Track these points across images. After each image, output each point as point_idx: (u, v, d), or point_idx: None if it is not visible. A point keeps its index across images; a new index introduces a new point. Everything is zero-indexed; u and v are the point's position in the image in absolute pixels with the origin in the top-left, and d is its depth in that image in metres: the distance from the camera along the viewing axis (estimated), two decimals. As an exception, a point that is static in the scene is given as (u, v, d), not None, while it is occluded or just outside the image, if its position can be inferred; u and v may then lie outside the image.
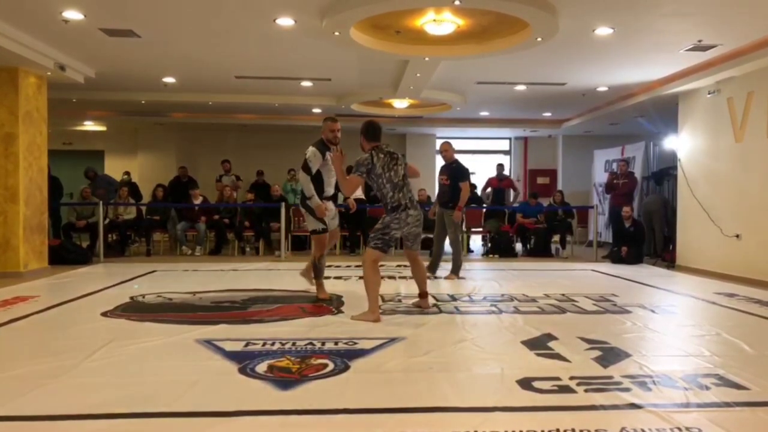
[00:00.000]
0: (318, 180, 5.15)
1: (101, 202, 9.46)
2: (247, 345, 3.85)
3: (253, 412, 2.68)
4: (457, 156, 7.40)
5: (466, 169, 7.29)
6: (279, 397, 2.89)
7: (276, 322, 4.61)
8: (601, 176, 12.68)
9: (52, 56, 7.17)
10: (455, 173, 7.11)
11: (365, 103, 10.66)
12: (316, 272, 5.54)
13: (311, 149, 5.09)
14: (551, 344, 3.93)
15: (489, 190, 11.57)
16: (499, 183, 11.54)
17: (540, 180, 14.76)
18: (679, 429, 2.51)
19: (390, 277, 7.21)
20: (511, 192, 11.80)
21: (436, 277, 7.17)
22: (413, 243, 4.95)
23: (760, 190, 7.21)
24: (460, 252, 7.44)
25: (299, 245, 10.53)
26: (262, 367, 3.35)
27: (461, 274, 7.33)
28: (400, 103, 10.58)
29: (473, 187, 11.34)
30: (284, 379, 3.15)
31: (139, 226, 10.24)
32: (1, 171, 7.18)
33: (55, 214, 9.99)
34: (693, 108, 8.59)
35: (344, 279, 7.09)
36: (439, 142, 14.59)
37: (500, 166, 11.83)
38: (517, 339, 4.08)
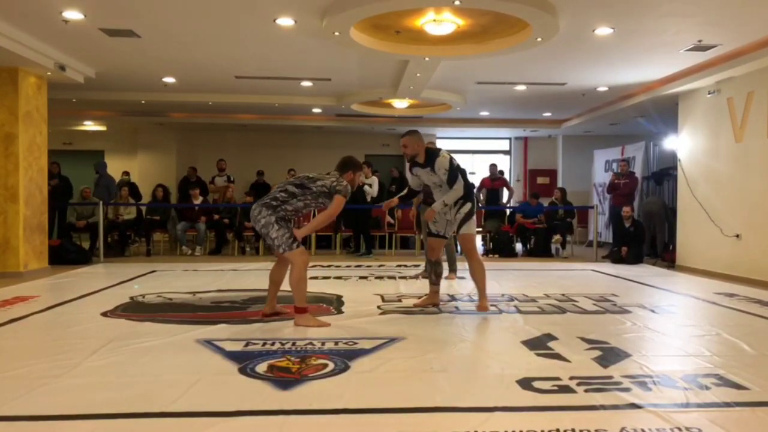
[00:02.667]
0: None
1: (101, 202, 9.47)
2: (247, 345, 3.86)
3: (253, 412, 2.68)
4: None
5: None
6: (279, 397, 2.89)
7: (276, 322, 4.61)
8: (601, 176, 12.68)
9: (52, 56, 7.17)
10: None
11: (365, 103, 10.66)
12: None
13: None
14: (551, 344, 3.93)
15: (483, 190, 11.52)
16: (492, 183, 11.50)
17: (540, 180, 14.76)
18: (679, 429, 2.51)
19: (390, 277, 7.22)
20: (505, 191, 11.72)
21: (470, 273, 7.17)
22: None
23: (760, 190, 7.21)
24: (454, 250, 7.44)
25: (299, 245, 10.52)
26: (262, 367, 3.35)
27: (458, 273, 7.33)
28: (400, 103, 10.58)
29: (472, 186, 11.32)
30: (284, 379, 3.15)
31: (139, 226, 10.24)
32: (1, 171, 7.19)
33: (62, 215, 10.00)
34: (693, 108, 8.59)
35: (344, 279, 7.09)
36: (439, 142, 14.65)
37: (493, 166, 11.77)
38: (517, 339, 4.08)
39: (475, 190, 11.29)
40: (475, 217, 5.01)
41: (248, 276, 7.33)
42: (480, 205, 11.34)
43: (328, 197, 4.51)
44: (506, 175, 13.67)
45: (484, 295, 5.05)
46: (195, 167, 12.12)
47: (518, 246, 10.76)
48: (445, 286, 6.58)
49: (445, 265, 7.32)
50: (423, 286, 6.53)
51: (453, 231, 5.10)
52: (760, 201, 7.20)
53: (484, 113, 12.13)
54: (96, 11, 5.87)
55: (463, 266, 8.27)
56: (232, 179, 11.81)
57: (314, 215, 4.69)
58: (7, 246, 7.20)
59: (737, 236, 7.56)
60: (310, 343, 3.89)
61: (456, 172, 4.89)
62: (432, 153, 4.95)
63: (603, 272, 8.05)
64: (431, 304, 5.32)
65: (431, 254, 5.31)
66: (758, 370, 3.38)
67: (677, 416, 2.65)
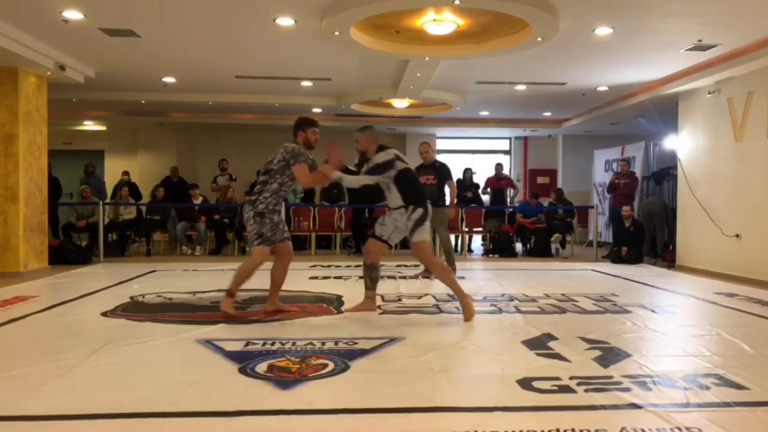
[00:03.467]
0: None
1: (101, 202, 9.47)
2: (247, 345, 3.85)
3: (253, 412, 2.68)
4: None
5: (450, 168, 7.43)
6: (279, 397, 2.89)
7: (276, 322, 4.61)
8: (601, 176, 12.68)
9: (52, 56, 7.16)
10: (442, 173, 7.22)
11: (365, 103, 10.65)
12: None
13: None
14: (551, 344, 3.93)
15: (488, 190, 11.58)
16: (498, 183, 11.55)
17: (540, 180, 14.75)
18: (679, 429, 2.51)
19: (390, 277, 7.21)
20: (510, 190, 11.80)
21: (435, 278, 7.20)
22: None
23: (760, 190, 7.21)
24: (452, 248, 7.44)
25: (299, 245, 10.53)
26: (262, 367, 3.35)
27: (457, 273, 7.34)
28: (400, 103, 10.58)
29: (476, 186, 11.38)
30: (284, 379, 3.15)
31: (139, 226, 10.25)
32: (1, 171, 7.18)
33: (53, 215, 10.00)
34: (693, 108, 8.59)
35: (344, 279, 7.09)
36: (439, 142, 14.66)
37: (499, 166, 11.82)
38: (517, 339, 4.08)
39: (479, 190, 11.44)
40: (428, 224, 4.69)
41: (248, 276, 7.32)
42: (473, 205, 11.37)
43: (290, 167, 4.68)
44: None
45: (464, 294, 4.71)
46: (176, 167, 12.42)
47: (518, 246, 10.76)
48: (445, 287, 6.59)
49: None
50: (423, 286, 6.55)
51: (405, 238, 4.83)
52: (760, 201, 7.19)
53: (484, 113, 12.12)
54: (96, 11, 5.86)
55: (462, 266, 8.28)
56: (234, 178, 11.85)
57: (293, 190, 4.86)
58: (7, 246, 7.20)
59: (737, 236, 7.55)
60: (310, 343, 3.89)
61: (377, 170, 4.61)
62: (381, 149, 4.73)
63: (603, 272, 8.05)
64: (365, 311, 4.94)
65: (367, 257, 4.89)
66: (758, 370, 3.38)
67: (677, 416, 2.65)
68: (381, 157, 4.69)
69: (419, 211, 4.66)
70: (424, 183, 7.00)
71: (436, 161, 7.38)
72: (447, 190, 7.45)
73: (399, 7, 5.61)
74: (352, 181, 4.79)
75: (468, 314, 4.68)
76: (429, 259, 4.79)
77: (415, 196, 4.69)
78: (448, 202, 7.49)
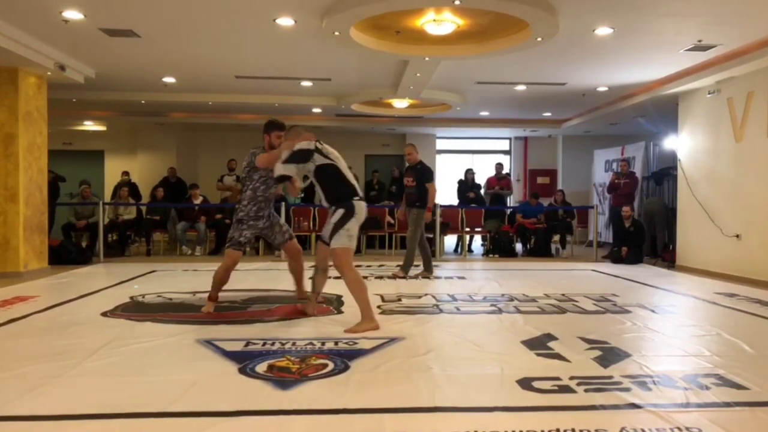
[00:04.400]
0: None
1: (101, 202, 9.47)
2: (247, 345, 3.86)
3: (253, 412, 2.68)
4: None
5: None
6: (279, 397, 2.89)
7: (276, 322, 4.61)
8: (601, 176, 12.69)
9: (52, 56, 7.16)
10: (421, 174, 7.27)
11: (365, 103, 10.66)
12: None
13: None
14: (551, 344, 3.93)
15: (490, 190, 11.59)
16: (499, 182, 11.56)
17: (540, 180, 14.75)
18: (679, 429, 2.51)
19: (390, 278, 7.22)
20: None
21: (436, 277, 7.21)
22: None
23: (760, 190, 7.21)
24: (414, 252, 7.36)
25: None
26: (262, 367, 3.35)
27: (421, 272, 7.42)
28: (400, 103, 10.58)
29: (478, 187, 11.38)
30: (284, 379, 3.15)
31: (139, 226, 10.25)
32: (1, 171, 7.18)
33: (51, 215, 9.99)
34: (693, 108, 8.58)
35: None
36: (439, 142, 14.66)
37: (499, 165, 11.83)
38: (517, 339, 4.08)
39: (482, 191, 11.46)
40: (352, 227, 4.30)
41: (248, 276, 7.32)
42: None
43: (256, 171, 4.72)
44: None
45: (367, 315, 4.31)
46: (174, 167, 12.47)
47: (518, 246, 10.76)
48: (445, 287, 6.60)
49: (440, 265, 7.35)
50: (422, 285, 6.55)
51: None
52: (760, 201, 7.19)
53: (484, 113, 12.12)
54: (96, 11, 5.87)
55: (462, 266, 8.29)
56: (240, 179, 11.80)
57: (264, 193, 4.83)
58: (7, 246, 7.20)
59: (737, 236, 7.55)
60: (310, 343, 3.89)
61: (292, 158, 4.28)
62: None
63: (603, 272, 8.05)
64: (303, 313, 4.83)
65: (316, 260, 4.78)
66: (758, 370, 3.38)
67: (677, 416, 2.65)
68: (300, 145, 4.31)
69: (339, 212, 4.31)
70: (406, 185, 7.29)
71: (418, 163, 7.38)
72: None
73: (399, 8, 5.61)
74: (277, 168, 4.35)
75: (359, 328, 4.24)
76: (346, 271, 4.29)
77: (336, 196, 4.36)
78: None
